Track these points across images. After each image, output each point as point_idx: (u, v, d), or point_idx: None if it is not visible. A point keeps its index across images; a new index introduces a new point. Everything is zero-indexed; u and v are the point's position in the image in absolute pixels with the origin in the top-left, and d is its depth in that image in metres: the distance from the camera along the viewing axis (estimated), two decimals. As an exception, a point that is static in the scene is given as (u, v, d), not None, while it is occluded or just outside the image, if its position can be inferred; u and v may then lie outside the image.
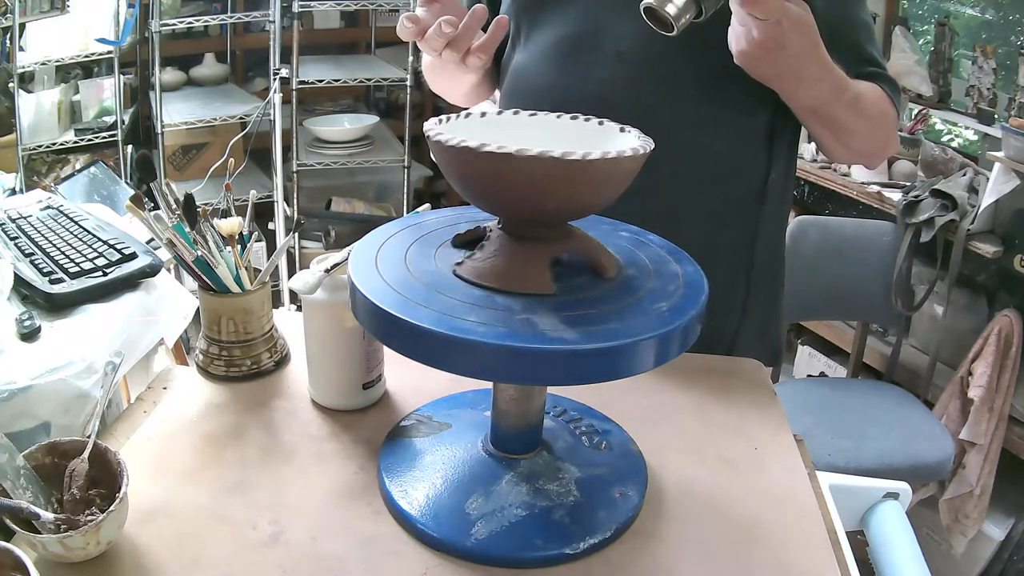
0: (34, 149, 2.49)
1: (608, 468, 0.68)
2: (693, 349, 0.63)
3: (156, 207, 0.78)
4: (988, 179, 1.94)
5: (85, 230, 0.97)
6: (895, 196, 2.10)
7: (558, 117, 0.66)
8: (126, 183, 2.39)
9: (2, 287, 0.77)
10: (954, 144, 2.49)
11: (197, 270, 0.75)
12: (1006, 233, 1.93)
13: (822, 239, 2.01)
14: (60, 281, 0.83)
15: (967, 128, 2.44)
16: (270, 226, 2.72)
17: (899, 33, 2.37)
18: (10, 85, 2.36)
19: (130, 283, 0.87)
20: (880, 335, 2.34)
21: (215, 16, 2.67)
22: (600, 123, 0.65)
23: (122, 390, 0.92)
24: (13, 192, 2.10)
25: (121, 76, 2.64)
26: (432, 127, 0.58)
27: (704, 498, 0.68)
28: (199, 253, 0.74)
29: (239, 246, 0.78)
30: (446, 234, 0.65)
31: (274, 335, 0.83)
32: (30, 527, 0.55)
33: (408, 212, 1.11)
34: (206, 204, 0.79)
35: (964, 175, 2.07)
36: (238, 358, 0.80)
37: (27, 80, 2.51)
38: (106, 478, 0.60)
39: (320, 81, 2.63)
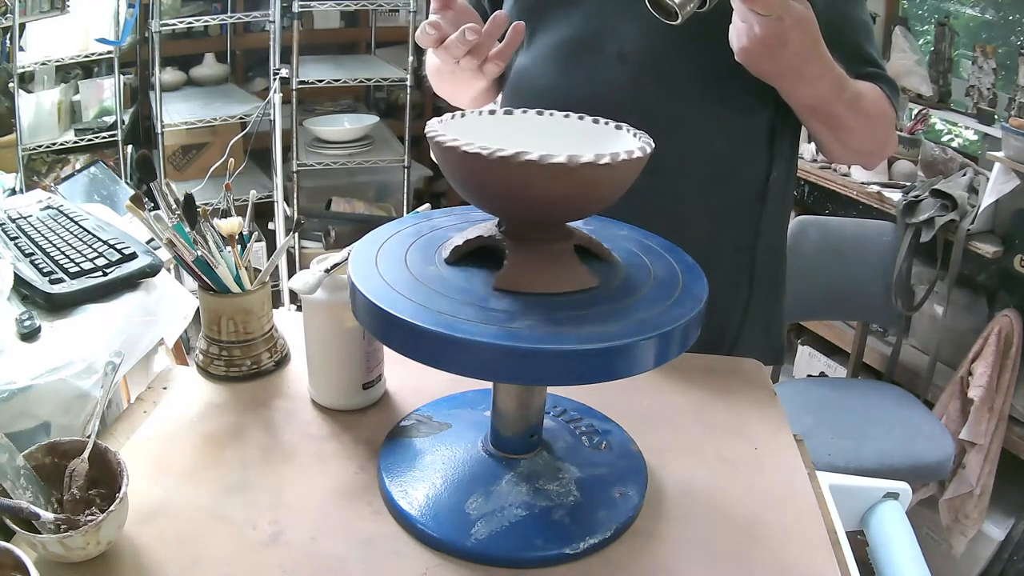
0: (34, 149, 2.49)
1: (608, 468, 0.68)
2: (696, 349, 0.63)
3: (156, 207, 0.78)
4: (988, 179, 1.93)
5: (85, 230, 0.97)
6: (895, 196, 2.09)
7: (563, 116, 0.66)
8: (126, 183, 2.39)
9: (2, 287, 0.77)
10: (954, 144, 2.48)
11: (197, 270, 0.75)
12: (1006, 233, 1.93)
13: (822, 239, 2.01)
14: (60, 281, 0.83)
15: (967, 128, 2.43)
16: (270, 226, 2.72)
17: (899, 33, 2.36)
18: (10, 85, 2.36)
19: (130, 283, 0.87)
20: (880, 335, 2.34)
21: (215, 16, 2.67)
22: (605, 123, 0.65)
23: (122, 390, 0.92)
24: (13, 192, 2.10)
25: (121, 76, 2.64)
26: (433, 128, 0.58)
27: (704, 498, 0.68)
28: (199, 253, 0.74)
29: (239, 246, 0.78)
30: (446, 234, 0.65)
31: (274, 335, 0.83)
32: (30, 527, 0.55)
33: (408, 212, 1.11)
34: (206, 204, 0.79)
35: (964, 175, 2.07)
36: (238, 358, 0.80)
37: (27, 80, 2.51)
38: (106, 478, 0.60)
39: (320, 81, 2.63)
